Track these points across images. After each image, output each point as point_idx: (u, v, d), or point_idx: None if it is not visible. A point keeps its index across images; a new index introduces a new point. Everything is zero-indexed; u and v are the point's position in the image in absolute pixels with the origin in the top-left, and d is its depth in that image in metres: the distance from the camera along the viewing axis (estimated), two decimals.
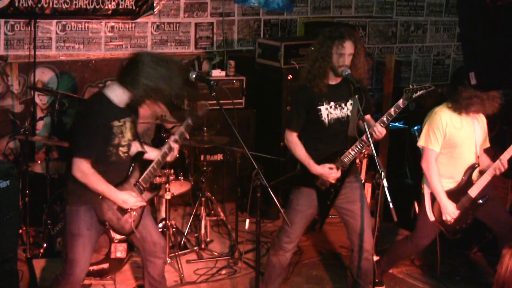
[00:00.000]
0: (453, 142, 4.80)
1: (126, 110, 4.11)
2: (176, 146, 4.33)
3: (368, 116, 4.64)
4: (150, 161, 4.31)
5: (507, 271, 3.32)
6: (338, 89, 4.56)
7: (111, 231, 4.91)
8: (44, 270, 5.22)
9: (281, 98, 6.79)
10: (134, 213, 4.24)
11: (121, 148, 4.12)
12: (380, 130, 4.43)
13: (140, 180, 4.25)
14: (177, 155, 4.46)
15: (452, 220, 4.87)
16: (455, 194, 4.88)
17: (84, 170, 3.97)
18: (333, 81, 4.55)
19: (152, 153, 4.38)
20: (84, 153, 3.97)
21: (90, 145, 3.97)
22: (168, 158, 4.35)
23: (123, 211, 4.18)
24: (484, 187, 4.88)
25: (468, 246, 5.99)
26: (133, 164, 4.23)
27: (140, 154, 4.29)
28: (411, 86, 4.39)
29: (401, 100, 4.40)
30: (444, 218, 4.86)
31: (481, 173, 4.91)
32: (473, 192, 4.88)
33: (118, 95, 4.04)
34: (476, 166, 4.88)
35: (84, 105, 4.21)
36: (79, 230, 4.11)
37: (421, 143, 4.86)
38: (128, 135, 4.15)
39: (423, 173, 4.90)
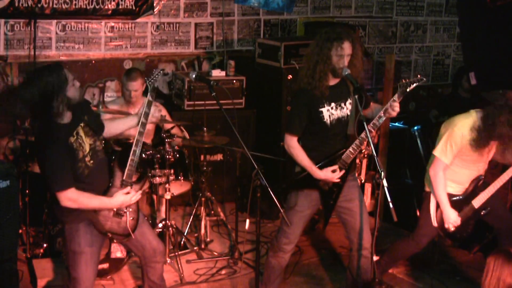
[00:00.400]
0: (466, 157, 4.76)
1: (72, 121, 3.98)
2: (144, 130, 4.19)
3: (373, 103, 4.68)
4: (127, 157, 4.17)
5: (491, 281, 3.28)
6: (337, 89, 4.56)
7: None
8: (44, 270, 5.21)
9: (281, 98, 6.79)
10: (130, 209, 4.19)
11: (86, 159, 3.99)
12: (393, 107, 4.39)
13: (124, 178, 4.14)
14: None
15: (454, 229, 4.87)
16: (459, 204, 4.88)
17: (71, 198, 3.89)
18: (332, 81, 4.54)
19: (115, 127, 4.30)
20: (64, 186, 3.87)
21: (64, 175, 3.87)
22: (146, 139, 4.19)
23: (119, 214, 4.15)
24: (487, 198, 4.89)
25: (469, 246, 5.99)
26: (112, 165, 4.15)
27: (113, 153, 4.21)
28: (403, 80, 4.40)
29: (396, 95, 4.40)
30: (446, 226, 4.87)
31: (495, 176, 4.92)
32: (476, 203, 4.90)
33: (53, 117, 3.92)
34: (481, 177, 4.88)
35: (37, 139, 4.08)
36: (80, 248, 4.03)
37: (436, 153, 4.75)
38: (86, 142, 4.01)
39: (427, 174, 4.90)
